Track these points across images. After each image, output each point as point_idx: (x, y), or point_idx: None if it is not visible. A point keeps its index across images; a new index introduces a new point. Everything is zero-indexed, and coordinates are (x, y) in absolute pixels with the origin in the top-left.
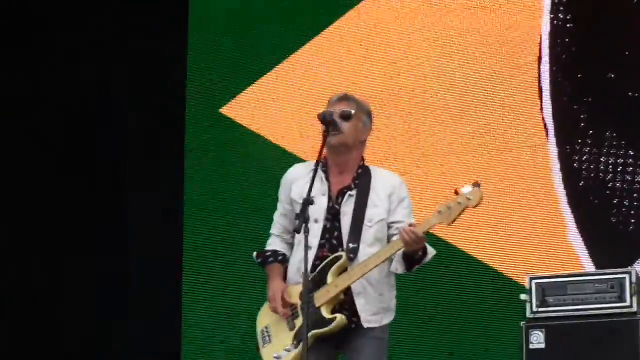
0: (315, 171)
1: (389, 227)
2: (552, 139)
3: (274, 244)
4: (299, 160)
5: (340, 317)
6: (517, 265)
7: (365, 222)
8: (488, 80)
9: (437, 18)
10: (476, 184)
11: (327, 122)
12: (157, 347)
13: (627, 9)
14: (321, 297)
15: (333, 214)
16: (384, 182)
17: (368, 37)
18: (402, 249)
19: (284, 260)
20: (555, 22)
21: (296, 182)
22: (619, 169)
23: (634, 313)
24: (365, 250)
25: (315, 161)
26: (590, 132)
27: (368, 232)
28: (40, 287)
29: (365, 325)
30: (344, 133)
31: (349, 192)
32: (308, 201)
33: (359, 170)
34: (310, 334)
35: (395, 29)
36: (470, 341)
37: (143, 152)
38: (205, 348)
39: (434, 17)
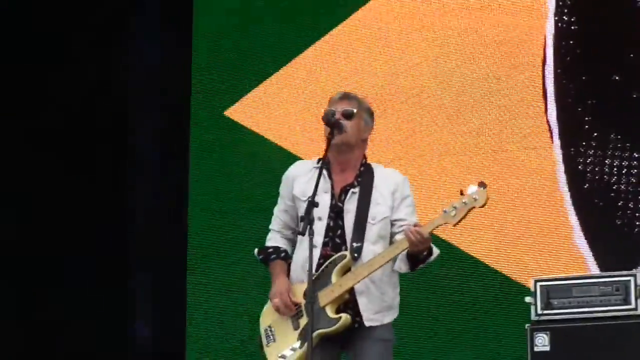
0: (320, 173)
1: (392, 225)
2: (557, 141)
3: (274, 239)
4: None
5: (345, 317)
6: (522, 267)
7: (369, 219)
8: (492, 82)
9: (441, 21)
10: (482, 184)
11: (332, 124)
12: (161, 348)
13: (631, 11)
14: (326, 297)
15: (336, 212)
16: (387, 180)
17: (371, 38)
18: (407, 249)
19: (286, 257)
20: (559, 24)
21: (298, 179)
22: (623, 171)
23: (639, 316)
24: (369, 248)
25: (317, 159)
26: (595, 134)
27: (372, 230)
28: (43, 285)
29: (367, 324)
30: (346, 132)
31: (352, 190)
32: (313, 203)
33: (362, 168)
34: (315, 333)
35: (398, 31)
36: (475, 344)
37: (148, 155)
38: (210, 348)
39: (438, 20)
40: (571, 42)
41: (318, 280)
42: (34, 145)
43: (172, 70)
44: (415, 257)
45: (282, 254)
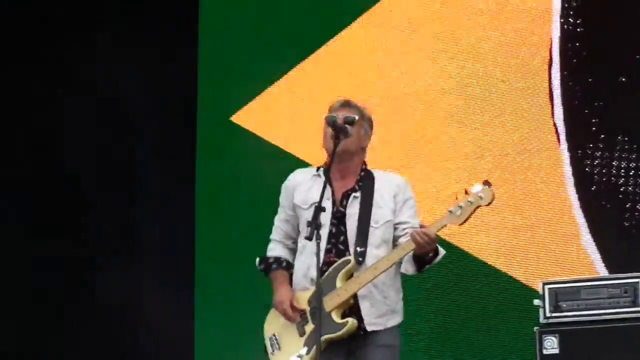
0: (327, 178)
1: (395, 228)
2: (564, 144)
3: (275, 249)
4: (310, 166)
5: (351, 322)
6: (530, 270)
7: (372, 223)
8: (499, 85)
9: (447, 24)
10: (487, 183)
11: (338, 128)
12: (170, 357)
13: (637, 12)
14: (331, 302)
15: (338, 218)
16: (388, 183)
17: (377, 43)
18: (413, 251)
19: (287, 266)
20: (565, 26)
21: (298, 187)
22: (631, 173)
23: None
24: (373, 252)
25: (317, 167)
26: (602, 136)
27: (375, 234)
28: (53, 294)
29: (370, 328)
30: (347, 139)
31: (353, 194)
32: (320, 208)
33: (362, 174)
34: (322, 338)
35: (403, 35)
36: (484, 347)
37: (155, 161)
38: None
39: (444, 24)
40: (577, 44)
41: (323, 286)
42: (47, 149)
43: (179, 77)
44: (422, 258)
45: (284, 264)
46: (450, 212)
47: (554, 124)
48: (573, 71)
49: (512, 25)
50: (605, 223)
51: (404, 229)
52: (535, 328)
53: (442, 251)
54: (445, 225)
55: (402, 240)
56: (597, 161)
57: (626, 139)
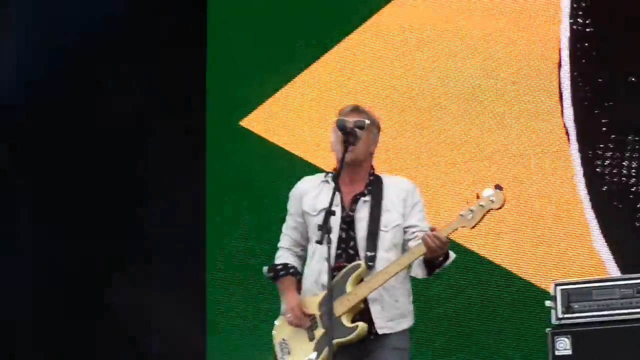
0: (337, 184)
1: (404, 231)
2: (574, 144)
3: (283, 257)
4: (320, 170)
5: (362, 326)
6: (542, 271)
7: (381, 227)
8: (508, 85)
9: (457, 24)
10: (498, 187)
11: (348, 132)
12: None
13: None
14: (341, 306)
15: (348, 222)
16: (397, 187)
17: (386, 46)
18: (423, 255)
19: (295, 273)
20: (574, 27)
21: (306, 194)
22: None
23: None
24: (383, 256)
25: (324, 173)
26: (612, 136)
27: (384, 238)
28: (68, 295)
29: (380, 331)
30: (356, 145)
31: (363, 199)
32: (330, 212)
33: (371, 178)
34: (332, 342)
35: (413, 38)
36: (496, 349)
37: (164, 166)
38: None
39: (453, 23)
40: (586, 44)
41: (333, 291)
42: (64, 153)
43: (187, 82)
44: (432, 262)
45: (291, 270)
46: (462, 215)
47: (564, 125)
48: (583, 71)
49: (522, 26)
50: (617, 223)
51: (414, 232)
52: (548, 329)
53: (452, 255)
54: (456, 229)
55: (411, 243)
56: (607, 161)
57: (637, 138)
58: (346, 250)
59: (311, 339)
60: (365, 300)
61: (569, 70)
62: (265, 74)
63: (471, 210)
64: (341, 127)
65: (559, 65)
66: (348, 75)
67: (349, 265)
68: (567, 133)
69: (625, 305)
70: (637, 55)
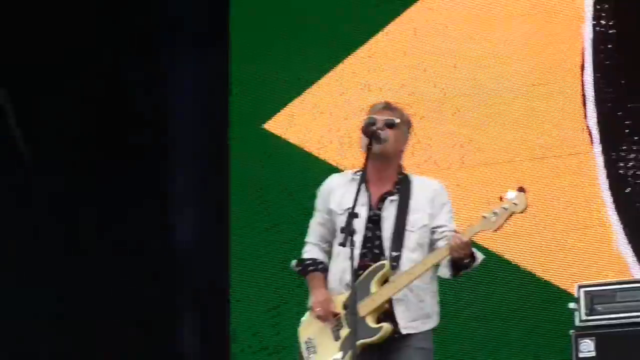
0: (360, 184)
1: (432, 232)
2: (597, 146)
3: (311, 252)
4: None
5: (386, 327)
6: (565, 273)
7: (408, 227)
8: (531, 88)
9: (480, 27)
10: (521, 189)
11: (371, 134)
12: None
13: None
14: (366, 307)
15: (374, 222)
16: (425, 188)
17: (409, 47)
18: (448, 256)
19: (324, 269)
20: (597, 28)
21: (334, 192)
22: None
23: None
24: (408, 256)
25: (354, 170)
26: (636, 138)
27: (410, 238)
28: (88, 295)
29: (404, 331)
30: (387, 141)
31: (390, 198)
32: (353, 214)
33: (400, 177)
34: (357, 343)
35: (437, 39)
36: (519, 351)
37: (188, 170)
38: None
39: (477, 26)
40: (609, 46)
41: (357, 291)
42: (86, 155)
43: (211, 86)
44: (458, 262)
45: (320, 266)
46: (485, 218)
47: (587, 127)
48: (605, 73)
49: (544, 28)
50: None
51: (442, 232)
52: (571, 331)
53: (480, 256)
54: (479, 232)
55: (440, 243)
56: (631, 163)
57: None
58: (371, 250)
59: (336, 338)
60: (390, 300)
61: (592, 72)
62: (289, 76)
63: (494, 213)
64: (364, 129)
65: (582, 67)
66: (371, 78)
67: (373, 266)
68: (590, 135)
69: None
70: None
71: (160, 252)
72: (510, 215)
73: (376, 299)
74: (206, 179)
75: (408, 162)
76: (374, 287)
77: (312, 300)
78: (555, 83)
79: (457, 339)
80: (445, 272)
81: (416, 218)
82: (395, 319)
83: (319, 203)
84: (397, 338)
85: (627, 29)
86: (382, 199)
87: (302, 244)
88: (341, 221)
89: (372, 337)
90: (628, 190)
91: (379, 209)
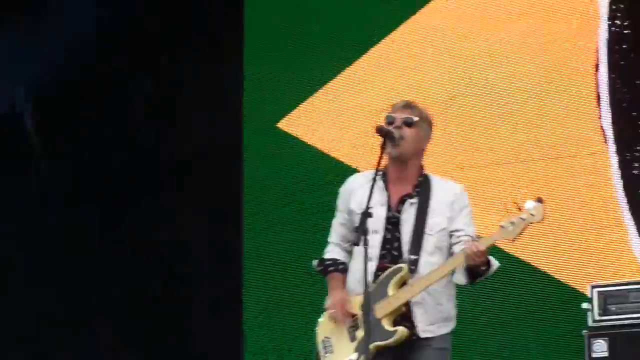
0: (373, 183)
1: (450, 235)
2: (612, 147)
3: (333, 252)
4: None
5: (402, 330)
6: (579, 273)
7: (427, 230)
8: (546, 88)
9: (495, 26)
10: (539, 200)
11: (385, 134)
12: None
13: None
14: (382, 309)
15: (393, 223)
16: (445, 191)
17: (423, 47)
18: (464, 263)
19: (344, 269)
20: (612, 28)
21: (355, 192)
22: None
23: None
24: (426, 259)
25: (375, 170)
26: None
27: (429, 241)
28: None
29: (422, 335)
30: (405, 140)
31: (410, 200)
32: (366, 214)
33: (420, 179)
34: (371, 345)
35: (450, 39)
36: (532, 350)
37: (201, 169)
38: None
39: (491, 27)
40: (624, 46)
41: (375, 292)
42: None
43: (225, 85)
44: (474, 270)
45: (340, 266)
46: (502, 227)
47: (602, 127)
48: (620, 73)
49: (559, 28)
50: None
51: (459, 236)
52: (584, 331)
53: (495, 264)
54: (496, 241)
55: (456, 248)
56: None
57: None
58: (390, 251)
59: (352, 339)
60: (407, 303)
61: (606, 73)
62: (303, 75)
63: (512, 223)
64: (378, 129)
65: (597, 67)
66: (385, 77)
67: (391, 268)
68: (604, 135)
69: None
70: None
71: (174, 250)
72: (528, 226)
73: (393, 302)
74: (220, 177)
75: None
76: (391, 289)
77: (328, 301)
78: (570, 83)
79: (469, 338)
80: (460, 278)
81: (435, 221)
82: (414, 322)
83: (340, 203)
84: (414, 340)
85: None
86: (402, 201)
87: (317, 242)
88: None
89: (387, 339)
90: None
91: (399, 211)
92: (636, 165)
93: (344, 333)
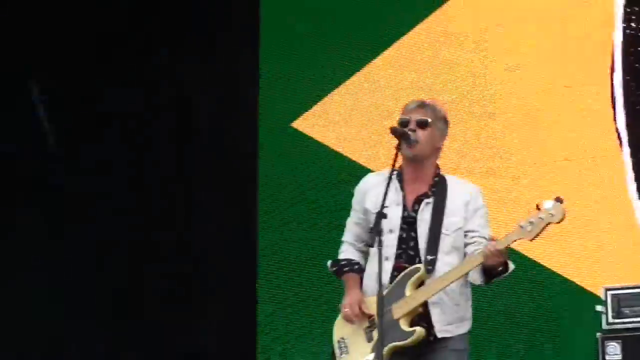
0: (388, 183)
1: (464, 235)
2: (627, 149)
3: (347, 252)
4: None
5: (419, 330)
6: (592, 276)
7: (443, 230)
8: (562, 90)
9: (509, 29)
10: (559, 200)
11: (400, 135)
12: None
13: None
14: (400, 309)
15: (409, 223)
16: (461, 191)
17: (439, 49)
18: (482, 263)
19: (359, 270)
20: (627, 31)
21: (370, 191)
22: None
23: None
24: (443, 259)
25: (391, 169)
26: None
27: (445, 241)
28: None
29: (440, 335)
30: (419, 142)
31: (426, 200)
32: (381, 214)
33: (436, 179)
34: (389, 346)
35: (465, 41)
36: (547, 351)
37: (216, 169)
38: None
39: (506, 28)
40: (639, 48)
41: (392, 293)
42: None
43: (241, 85)
44: (490, 270)
45: (355, 267)
46: (521, 227)
47: (617, 130)
48: (635, 76)
49: (575, 31)
50: None
51: (473, 237)
52: (598, 334)
53: (511, 265)
54: (515, 240)
55: (470, 248)
56: None
57: None
58: (406, 251)
59: (369, 340)
60: (425, 304)
61: (621, 75)
62: (318, 75)
63: (530, 223)
64: (393, 130)
65: (612, 70)
66: (400, 78)
67: (409, 269)
68: (619, 138)
69: None
70: None
71: (187, 249)
72: (547, 226)
73: (410, 302)
74: (235, 176)
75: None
76: (408, 290)
77: (344, 301)
78: (585, 86)
79: (483, 340)
80: (476, 278)
81: (451, 221)
82: (431, 322)
83: (354, 203)
84: (432, 341)
85: None
86: (418, 201)
87: (331, 241)
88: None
89: (404, 340)
90: None
91: (415, 211)
92: None
93: (361, 333)
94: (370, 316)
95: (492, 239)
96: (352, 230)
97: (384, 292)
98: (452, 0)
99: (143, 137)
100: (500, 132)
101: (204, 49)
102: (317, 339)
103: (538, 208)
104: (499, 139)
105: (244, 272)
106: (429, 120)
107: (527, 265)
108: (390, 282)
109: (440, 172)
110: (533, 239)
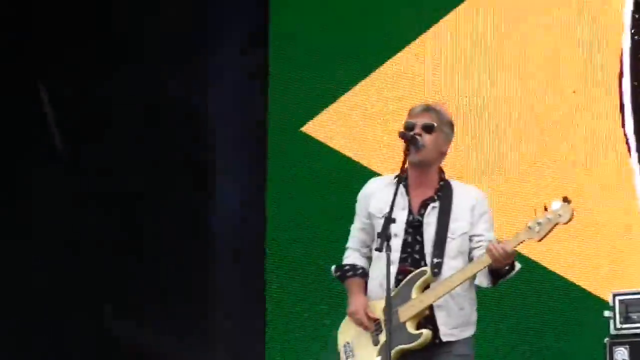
0: (397, 188)
1: (469, 240)
2: (635, 155)
3: (351, 257)
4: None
5: (426, 333)
6: (600, 281)
7: (449, 234)
8: (570, 95)
9: (518, 33)
10: (566, 200)
11: (408, 140)
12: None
13: None
14: (406, 312)
15: (414, 227)
16: (466, 195)
17: (449, 53)
18: (489, 265)
19: (363, 274)
20: (636, 37)
21: (374, 196)
22: None
23: None
24: (449, 263)
25: (394, 175)
26: None
27: (451, 245)
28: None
29: (445, 339)
30: (425, 147)
31: (432, 204)
32: (390, 219)
33: (441, 183)
34: (396, 349)
35: (478, 46)
36: (555, 357)
37: (225, 173)
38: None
39: (516, 32)
40: None
41: (398, 296)
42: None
43: (250, 89)
44: (497, 272)
45: (359, 271)
46: (529, 227)
47: (625, 135)
48: None
49: (583, 38)
50: None
51: (479, 241)
52: (606, 339)
53: (517, 265)
54: (523, 241)
55: (476, 253)
56: None
57: None
58: (411, 255)
59: (375, 343)
60: (430, 307)
61: (630, 81)
62: (327, 81)
63: (538, 223)
64: (401, 135)
65: (620, 76)
66: (410, 83)
67: (415, 272)
68: (627, 144)
69: None
70: None
71: (199, 249)
72: (554, 226)
73: (417, 305)
74: (244, 181)
75: (447, 169)
76: (414, 293)
77: (349, 308)
78: (594, 91)
79: (490, 345)
80: (483, 280)
81: (457, 226)
82: (437, 325)
83: (358, 208)
84: (437, 344)
85: None
86: (424, 205)
87: (340, 246)
88: (381, 225)
89: (411, 343)
90: None
91: (421, 215)
92: None
93: (367, 337)
94: (375, 320)
95: (499, 241)
96: (356, 236)
97: (390, 295)
98: (460, 7)
99: (148, 138)
100: (509, 138)
101: (212, 53)
102: (325, 340)
103: (546, 209)
104: (507, 144)
105: (252, 279)
106: (435, 124)
107: (533, 269)
108: (396, 286)
109: (445, 177)
110: (541, 240)
